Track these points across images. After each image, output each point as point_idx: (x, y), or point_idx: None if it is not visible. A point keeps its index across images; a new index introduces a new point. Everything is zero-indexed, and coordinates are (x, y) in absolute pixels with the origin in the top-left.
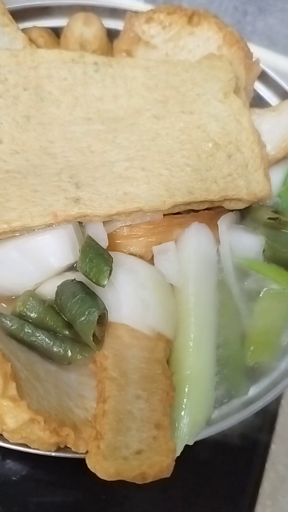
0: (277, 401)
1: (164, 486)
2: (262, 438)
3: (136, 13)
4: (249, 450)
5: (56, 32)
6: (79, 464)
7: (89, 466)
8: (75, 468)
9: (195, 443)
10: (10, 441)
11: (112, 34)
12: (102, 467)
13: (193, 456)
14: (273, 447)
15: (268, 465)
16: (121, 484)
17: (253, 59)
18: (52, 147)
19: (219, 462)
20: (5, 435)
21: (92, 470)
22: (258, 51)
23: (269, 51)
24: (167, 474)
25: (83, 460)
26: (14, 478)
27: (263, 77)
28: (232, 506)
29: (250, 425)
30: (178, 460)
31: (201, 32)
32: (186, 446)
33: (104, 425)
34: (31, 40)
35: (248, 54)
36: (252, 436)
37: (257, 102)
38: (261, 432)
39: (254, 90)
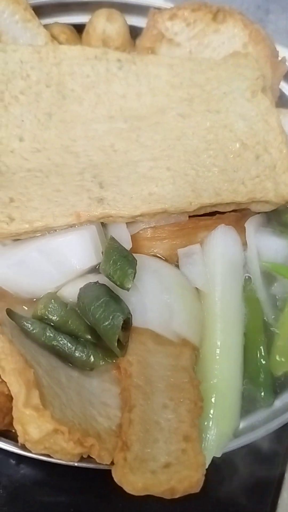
0: None
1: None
2: (282, 448)
3: (159, 9)
4: (268, 460)
5: (78, 29)
6: (95, 471)
7: (115, 480)
8: (91, 475)
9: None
10: (33, 451)
11: (135, 32)
12: (129, 481)
13: (211, 466)
14: None
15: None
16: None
17: (279, 58)
18: (74, 145)
19: (238, 472)
20: (28, 445)
21: (119, 484)
22: (280, 50)
23: None
24: (197, 489)
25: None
26: (28, 484)
27: None
28: None
29: (270, 434)
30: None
31: (226, 29)
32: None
33: (131, 436)
34: (53, 36)
35: (274, 53)
36: (272, 446)
37: (282, 102)
38: (281, 441)
39: (280, 90)
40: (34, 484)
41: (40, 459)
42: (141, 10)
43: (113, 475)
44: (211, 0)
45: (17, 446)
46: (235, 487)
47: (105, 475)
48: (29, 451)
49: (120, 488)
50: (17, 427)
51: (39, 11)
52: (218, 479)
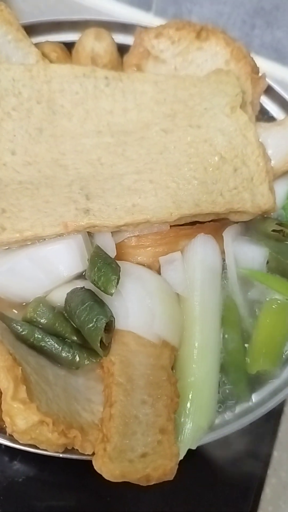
0: (279, 409)
1: (168, 490)
2: (265, 445)
3: (145, 28)
4: (251, 457)
5: (68, 47)
6: (85, 466)
7: (95, 467)
8: (81, 470)
9: (199, 448)
10: (20, 441)
11: (122, 49)
12: (108, 469)
13: (196, 462)
14: (275, 454)
15: (270, 472)
16: (126, 487)
17: (260, 74)
18: (64, 159)
19: (221, 468)
20: (15, 436)
21: (98, 471)
22: (266, 65)
23: (277, 64)
24: (171, 477)
25: (89, 462)
26: (20, 479)
27: (269, 91)
28: (234, 511)
29: (253, 432)
30: (182, 464)
31: (209, 47)
32: (190, 451)
33: (111, 429)
34: (44, 55)
35: (255, 69)
36: (255, 443)
37: (263, 116)
38: (263, 439)
39: (260, 104)
40: (26, 480)
41: (29, 450)
42: (128, 29)
43: (93, 464)
44: (199, 15)
45: (7, 438)
46: (216, 483)
47: (95, 471)
48: (18, 442)
49: (108, 482)
50: (6, 419)
51: (31, 30)
52: (199, 473)
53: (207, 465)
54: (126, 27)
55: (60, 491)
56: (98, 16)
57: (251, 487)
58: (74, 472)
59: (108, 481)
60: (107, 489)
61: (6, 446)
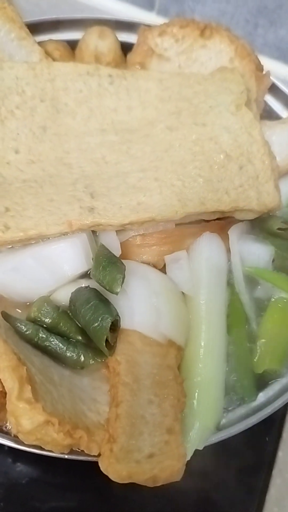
0: (284, 408)
1: (172, 491)
2: (269, 445)
3: (149, 26)
4: (256, 457)
5: (71, 45)
6: (89, 468)
7: (101, 468)
8: (85, 472)
9: (204, 448)
10: (25, 442)
11: (125, 48)
12: (115, 470)
13: (201, 462)
14: (280, 454)
15: (275, 472)
16: (130, 488)
17: (264, 72)
18: (68, 157)
19: (226, 469)
20: (21, 436)
21: (105, 472)
22: (269, 63)
23: (281, 63)
24: (178, 478)
25: (93, 464)
26: (24, 481)
27: (273, 89)
28: None
29: (257, 432)
30: (187, 465)
31: (213, 45)
32: (195, 451)
33: (117, 429)
34: (47, 53)
35: (259, 67)
36: (259, 443)
37: (267, 114)
38: (268, 439)
39: (265, 102)
40: (30, 481)
41: (34, 452)
42: (132, 27)
43: (100, 465)
44: (202, 14)
45: (11, 439)
46: (221, 483)
47: (98, 473)
48: (23, 443)
49: (111, 483)
50: (11, 419)
51: (34, 28)
52: (204, 474)
53: (212, 466)
54: (129, 26)
55: (64, 493)
56: (101, 15)
57: (255, 487)
58: (78, 474)
59: (113, 482)
60: (111, 491)
61: (9, 447)
